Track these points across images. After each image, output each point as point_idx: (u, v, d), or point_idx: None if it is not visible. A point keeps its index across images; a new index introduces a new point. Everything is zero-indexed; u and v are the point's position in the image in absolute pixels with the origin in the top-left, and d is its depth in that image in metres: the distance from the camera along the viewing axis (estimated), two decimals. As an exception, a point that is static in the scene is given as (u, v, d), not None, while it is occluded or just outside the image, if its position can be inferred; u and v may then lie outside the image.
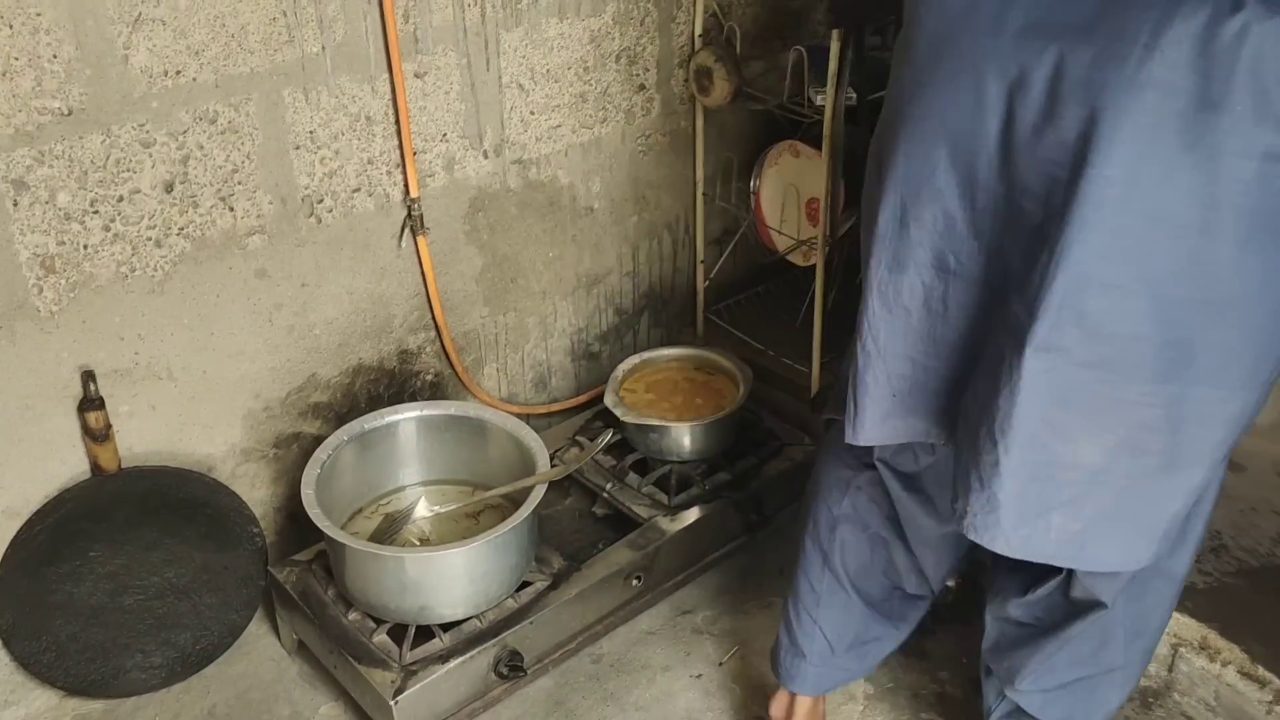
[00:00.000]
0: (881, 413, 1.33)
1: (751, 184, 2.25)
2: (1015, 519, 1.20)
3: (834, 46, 1.86)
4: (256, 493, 1.87)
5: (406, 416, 1.85)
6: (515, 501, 1.72)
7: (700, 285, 2.33)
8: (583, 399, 2.25)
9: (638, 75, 2.07)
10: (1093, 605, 1.34)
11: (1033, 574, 1.37)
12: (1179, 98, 1.00)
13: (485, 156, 1.92)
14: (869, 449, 1.45)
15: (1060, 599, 1.37)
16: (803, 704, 1.62)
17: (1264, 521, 1.87)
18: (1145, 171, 1.03)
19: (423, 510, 1.85)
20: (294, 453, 1.87)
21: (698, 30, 2.08)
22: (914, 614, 1.62)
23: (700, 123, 2.17)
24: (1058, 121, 1.06)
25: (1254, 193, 1.03)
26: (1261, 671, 1.63)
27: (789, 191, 2.19)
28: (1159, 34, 0.99)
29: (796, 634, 1.58)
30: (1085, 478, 1.17)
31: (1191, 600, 1.71)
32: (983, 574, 1.88)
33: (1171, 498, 1.19)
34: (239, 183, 1.66)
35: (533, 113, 1.95)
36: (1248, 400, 1.15)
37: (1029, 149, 1.09)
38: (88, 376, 1.62)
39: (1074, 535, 1.20)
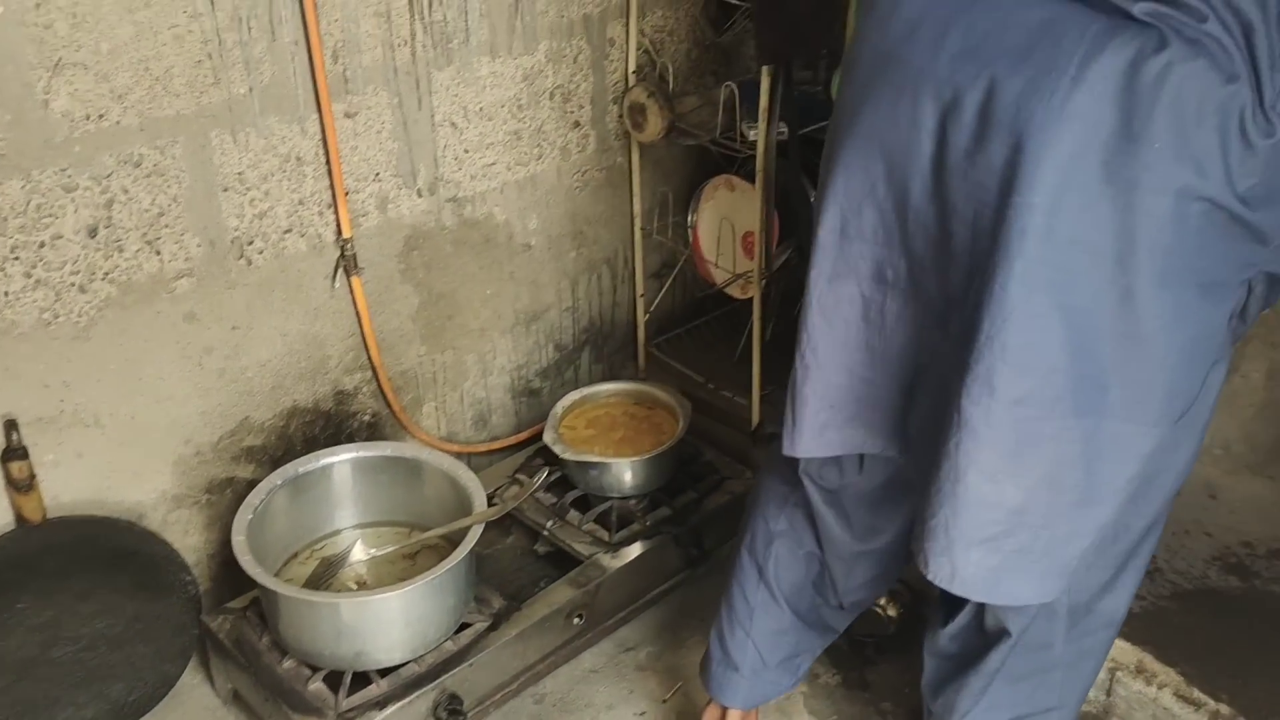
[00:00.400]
0: (819, 424, 1.33)
1: (689, 218, 2.27)
2: (942, 548, 1.21)
3: (764, 82, 1.89)
4: (189, 540, 1.84)
5: (341, 459, 1.83)
6: (453, 542, 1.70)
7: (640, 319, 2.34)
8: (523, 436, 2.24)
9: (572, 112, 2.08)
10: (1001, 635, 1.35)
11: (954, 603, 1.38)
12: (1102, 130, 1.02)
13: (419, 195, 1.92)
14: (807, 469, 1.46)
15: (976, 628, 1.38)
16: (733, 717, 1.62)
17: (1195, 544, 1.90)
18: (1067, 201, 1.05)
19: (359, 553, 1.82)
20: (227, 498, 1.85)
21: (631, 67, 2.10)
22: (841, 623, 1.63)
23: (636, 158, 2.18)
24: (987, 147, 1.07)
25: (1168, 229, 1.05)
26: (1197, 694, 1.64)
27: (725, 225, 2.21)
28: (1086, 67, 1.01)
29: (729, 646, 1.58)
30: (1006, 515, 1.18)
31: (1128, 624, 1.72)
32: (926, 604, 1.89)
33: (1083, 534, 1.20)
34: (166, 226, 1.64)
35: (467, 151, 1.95)
36: (1161, 438, 1.16)
37: (959, 172, 1.11)
38: (10, 426, 1.59)
39: (991, 570, 1.21)
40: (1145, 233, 1.05)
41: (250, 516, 1.69)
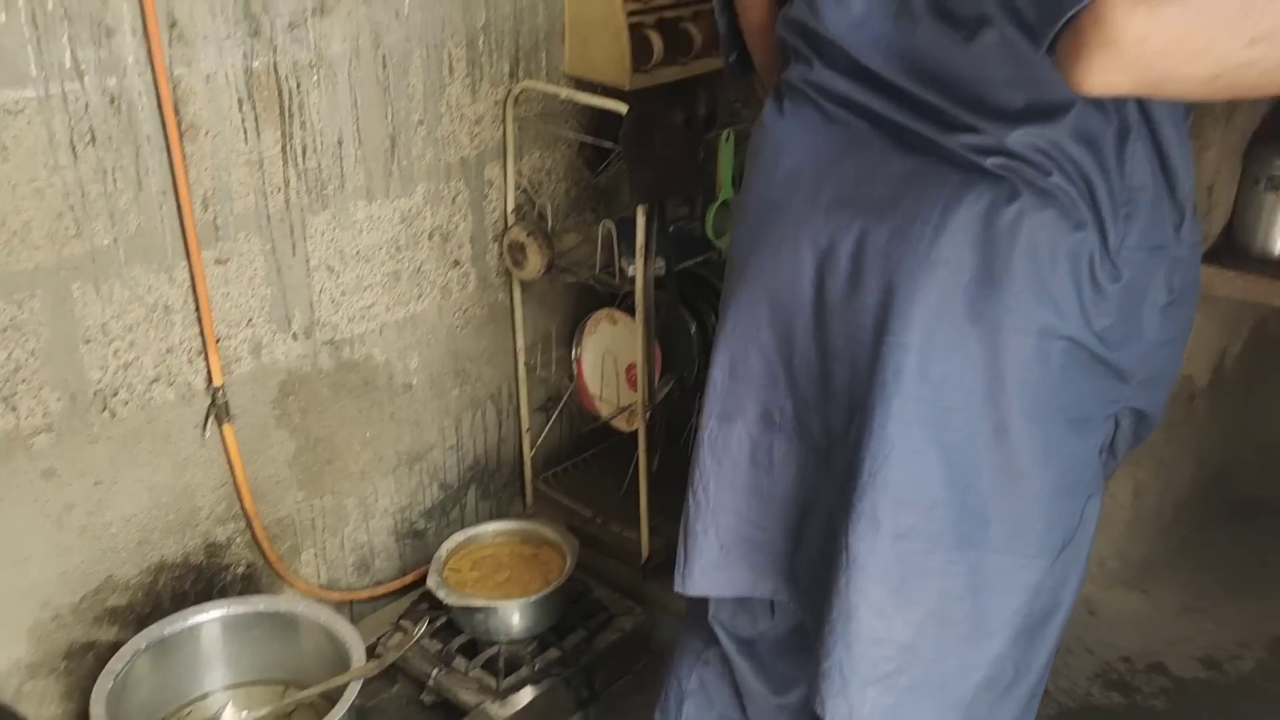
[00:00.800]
0: (709, 563, 1.33)
1: (572, 352, 2.28)
2: (838, 689, 1.20)
3: (640, 220, 1.93)
4: (46, 711, 1.73)
5: (210, 617, 1.75)
6: (332, 699, 1.63)
7: (526, 455, 2.32)
8: (408, 580, 2.18)
9: (452, 252, 2.09)
10: None
11: None
12: (965, 274, 1.07)
13: (295, 339, 1.89)
14: (718, 616, 1.45)
15: None
16: None
17: (1078, 661, 1.93)
18: (937, 341, 1.09)
19: (230, 717, 1.73)
20: (88, 663, 1.74)
21: (510, 207, 2.12)
22: None
23: (518, 295, 2.20)
24: (861, 291, 1.12)
25: (1034, 368, 1.09)
26: (1088, 816, 1.65)
27: (608, 358, 2.22)
28: (947, 216, 1.07)
29: None
30: (897, 652, 1.18)
31: (1017, 748, 1.73)
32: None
33: (976, 668, 1.21)
34: (22, 381, 1.58)
35: (344, 293, 1.94)
36: (1044, 569, 1.19)
37: (838, 315, 1.15)
38: None
39: (888, 709, 1.20)
40: (1012, 371, 1.09)
41: (111, 684, 1.60)
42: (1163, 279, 1.10)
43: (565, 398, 2.33)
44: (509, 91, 2.05)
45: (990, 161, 1.05)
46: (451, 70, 1.97)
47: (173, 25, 1.60)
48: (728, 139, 2.06)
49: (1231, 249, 1.80)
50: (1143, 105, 1.03)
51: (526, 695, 1.87)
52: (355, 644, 1.69)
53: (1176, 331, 1.16)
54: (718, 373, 1.28)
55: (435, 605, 1.98)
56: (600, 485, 2.33)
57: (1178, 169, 1.06)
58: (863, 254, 1.12)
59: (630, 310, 2.10)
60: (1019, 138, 1.03)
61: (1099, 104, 1.00)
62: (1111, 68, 0.78)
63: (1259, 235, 1.78)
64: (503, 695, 1.86)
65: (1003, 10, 0.99)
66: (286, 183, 1.80)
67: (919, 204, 1.09)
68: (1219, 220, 1.84)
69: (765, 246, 1.21)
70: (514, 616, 1.92)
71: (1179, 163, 1.06)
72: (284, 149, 1.78)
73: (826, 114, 1.19)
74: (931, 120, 1.08)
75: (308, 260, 1.87)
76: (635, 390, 2.13)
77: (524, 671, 1.90)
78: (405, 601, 2.08)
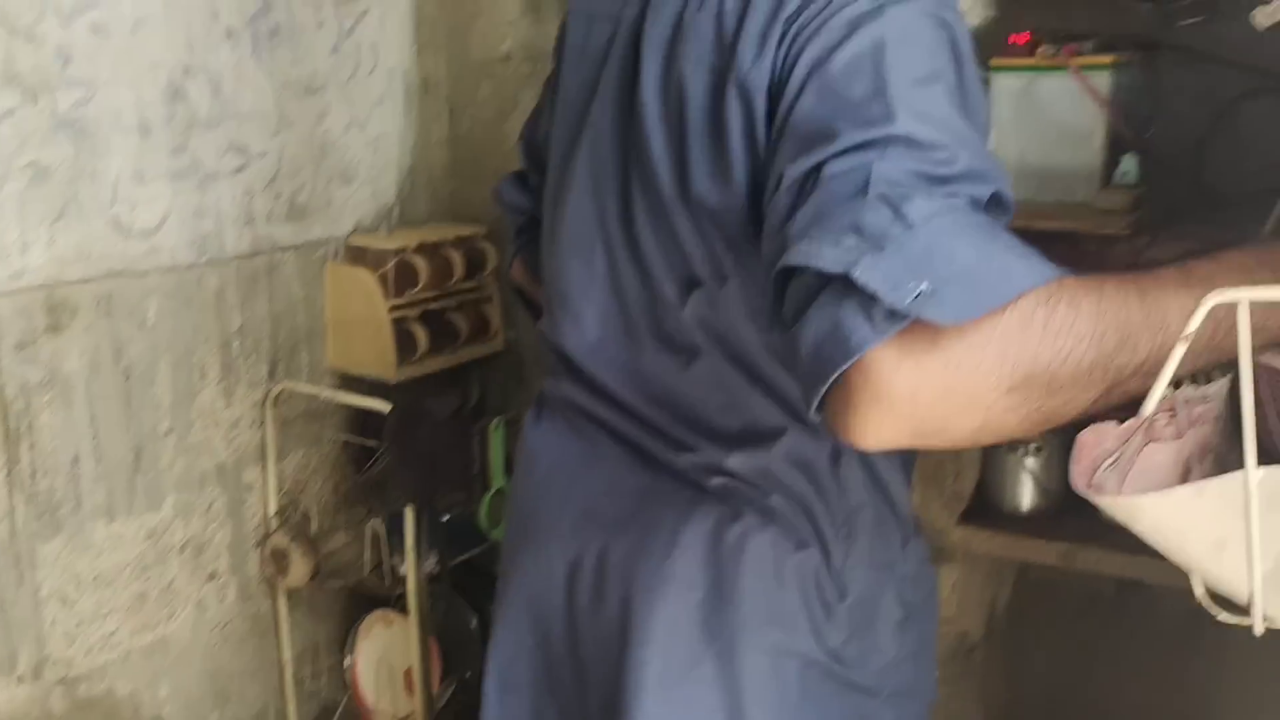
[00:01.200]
0: None
1: (345, 660, 2.13)
2: None
3: (409, 518, 1.87)
4: None
5: None
6: None
7: (298, 779, 2.12)
8: None
9: (207, 564, 1.95)
10: None
11: None
12: (697, 591, 1.06)
13: (19, 682, 1.69)
14: None
15: None
16: None
17: None
18: (675, 658, 1.06)
19: None
20: None
21: (271, 510, 2.02)
22: None
23: (283, 604, 2.06)
24: (604, 604, 1.10)
25: (771, 686, 1.07)
26: None
27: (384, 664, 2.09)
28: (676, 534, 1.07)
29: None
30: None
31: None
32: None
33: None
34: None
35: (80, 624, 1.76)
36: None
37: (587, 626, 1.13)
38: None
39: None
40: (750, 689, 1.06)
41: None
42: (894, 596, 1.11)
43: (339, 710, 2.17)
44: (267, 393, 1.98)
45: (714, 482, 1.07)
46: (204, 375, 1.90)
47: (-123, 356, 1.48)
48: (498, 427, 2.05)
49: (984, 509, 1.88)
50: None
51: None
52: None
53: (917, 645, 1.16)
54: (490, 685, 1.23)
55: None
56: (383, 804, 2.14)
57: (892, 487, 1.10)
58: (605, 567, 1.11)
59: (404, 610, 2.00)
60: (737, 460, 1.06)
61: (813, 429, 1.03)
62: (885, 423, 0.74)
63: (1007, 495, 1.87)
64: None
65: (711, 341, 1.03)
66: (12, 510, 1.65)
67: (653, 521, 1.09)
68: (969, 483, 1.93)
69: (526, 555, 1.20)
70: None
71: (893, 482, 1.10)
72: (9, 475, 1.65)
73: (575, 426, 1.20)
74: (663, 440, 1.11)
75: (36, 592, 1.70)
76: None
77: None
78: None
